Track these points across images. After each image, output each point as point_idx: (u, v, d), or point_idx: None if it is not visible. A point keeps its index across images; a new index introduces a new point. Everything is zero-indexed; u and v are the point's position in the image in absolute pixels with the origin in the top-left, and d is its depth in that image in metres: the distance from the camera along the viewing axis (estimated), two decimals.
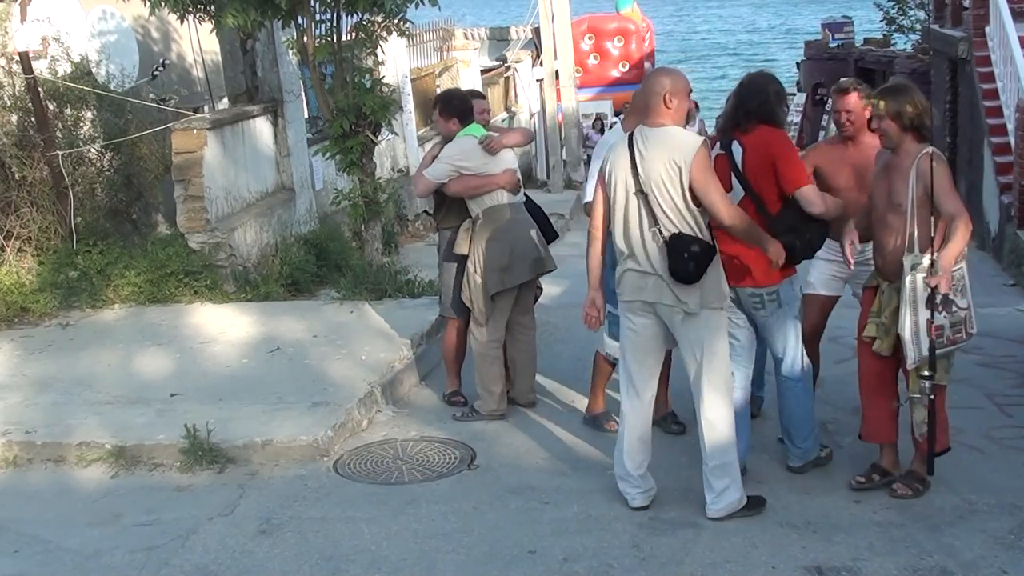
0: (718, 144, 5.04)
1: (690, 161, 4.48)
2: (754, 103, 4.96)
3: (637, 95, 5.09)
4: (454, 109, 6.19)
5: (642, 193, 4.57)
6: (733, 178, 4.95)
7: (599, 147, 5.62)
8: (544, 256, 6.14)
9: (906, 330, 4.69)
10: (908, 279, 4.67)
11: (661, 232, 4.54)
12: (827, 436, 5.59)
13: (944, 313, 4.67)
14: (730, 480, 4.74)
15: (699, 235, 4.55)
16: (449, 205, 6.20)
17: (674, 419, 5.86)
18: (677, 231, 4.52)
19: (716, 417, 4.72)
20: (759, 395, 5.82)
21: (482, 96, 6.77)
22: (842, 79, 5.68)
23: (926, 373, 4.71)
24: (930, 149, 4.70)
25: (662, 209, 4.54)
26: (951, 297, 4.67)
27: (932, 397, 4.74)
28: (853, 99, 5.35)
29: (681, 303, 4.59)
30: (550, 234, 6.39)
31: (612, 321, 5.63)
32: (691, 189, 4.51)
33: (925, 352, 4.67)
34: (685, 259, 4.48)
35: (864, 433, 5.12)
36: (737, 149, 4.96)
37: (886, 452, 5.06)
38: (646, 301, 4.68)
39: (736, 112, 5.02)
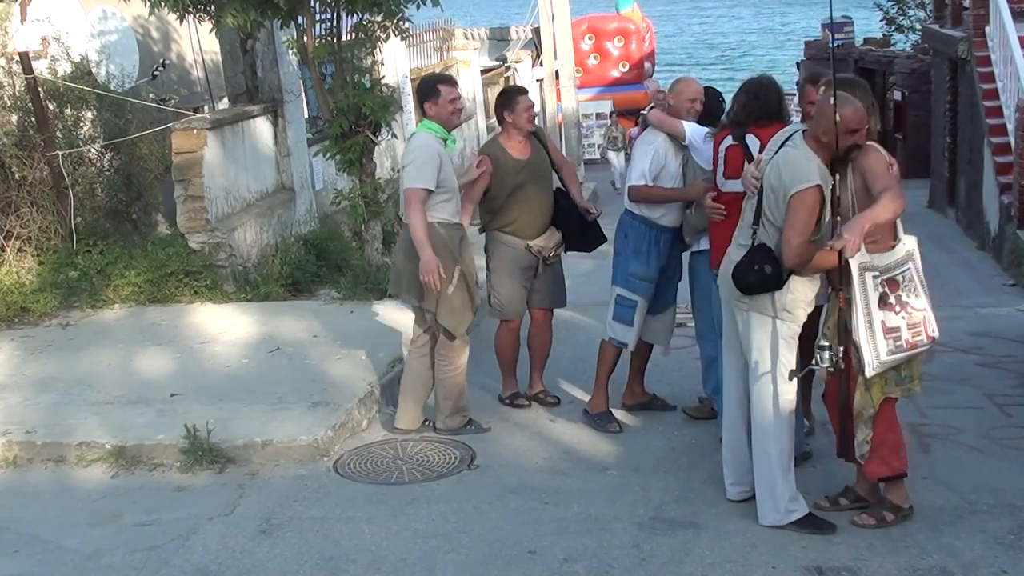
0: (729, 136, 5.22)
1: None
2: (774, 102, 5.24)
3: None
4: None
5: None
6: (746, 165, 5.04)
7: (644, 144, 5.76)
8: None
9: (860, 334, 4.43)
10: (857, 279, 4.42)
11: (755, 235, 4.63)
12: (827, 436, 5.58)
13: (901, 313, 4.44)
14: (766, 493, 4.68)
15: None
16: (492, 206, 6.19)
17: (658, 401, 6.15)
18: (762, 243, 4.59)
19: (757, 428, 4.69)
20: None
21: (524, 92, 6.51)
22: (813, 71, 5.58)
23: (824, 343, 4.42)
24: (871, 143, 4.52)
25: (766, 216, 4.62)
26: (904, 298, 4.44)
27: (833, 364, 4.40)
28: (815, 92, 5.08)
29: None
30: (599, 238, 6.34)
31: (620, 303, 5.72)
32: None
33: (884, 357, 4.43)
34: (755, 271, 4.52)
35: (839, 449, 4.79)
36: (754, 141, 5.13)
37: (860, 476, 4.75)
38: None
39: (754, 109, 5.19)
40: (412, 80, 13.45)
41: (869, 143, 4.52)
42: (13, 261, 8.48)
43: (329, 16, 8.29)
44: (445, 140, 5.72)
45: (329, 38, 8.34)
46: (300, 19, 8.24)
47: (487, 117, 16.43)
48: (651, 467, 5.41)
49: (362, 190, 8.62)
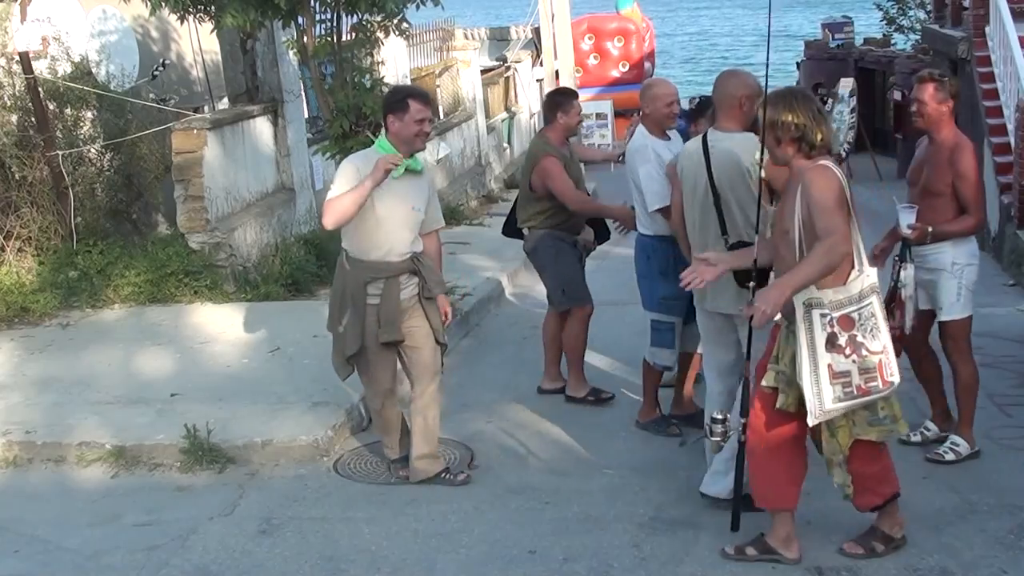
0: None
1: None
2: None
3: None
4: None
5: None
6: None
7: (645, 162, 5.54)
8: None
9: (803, 378, 4.03)
10: (802, 316, 4.05)
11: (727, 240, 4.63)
12: None
13: (852, 356, 4.02)
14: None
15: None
16: (543, 206, 6.19)
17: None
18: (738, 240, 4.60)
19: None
20: None
21: (577, 95, 6.40)
22: (925, 69, 5.46)
23: (718, 416, 4.22)
24: (821, 163, 4.08)
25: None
26: (859, 339, 4.02)
27: (725, 439, 4.23)
28: (928, 90, 5.09)
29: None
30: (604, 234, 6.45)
31: (657, 328, 5.67)
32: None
33: (828, 405, 4.02)
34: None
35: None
36: None
37: (780, 519, 4.38)
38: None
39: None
40: (412, 80, 13.44)
41: (820, 163, 4.09)
42: (13, 261, 8.48)
43: (329, 16, 8.28)
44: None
45: (329, 38, 8.33)
46: (300, 19, 8.23)
47: (487, 117, 16.43)
48: (651, 467, 5.41)
49: None
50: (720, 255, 4.50)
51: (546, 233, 6.24)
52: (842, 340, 4.01)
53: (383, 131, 5.08)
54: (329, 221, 4.93)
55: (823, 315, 4.01)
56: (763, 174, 4.24)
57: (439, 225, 5.35)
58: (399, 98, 5.01)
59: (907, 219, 4.96)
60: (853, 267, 4.07)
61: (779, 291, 3.94)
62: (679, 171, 4.94)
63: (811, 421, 4.08)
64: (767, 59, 4.27)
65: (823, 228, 3.95)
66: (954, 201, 5.08)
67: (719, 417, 4.24)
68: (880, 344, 4.06)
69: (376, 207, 4.92)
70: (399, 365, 5.31)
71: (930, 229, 4.97)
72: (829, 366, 4.01)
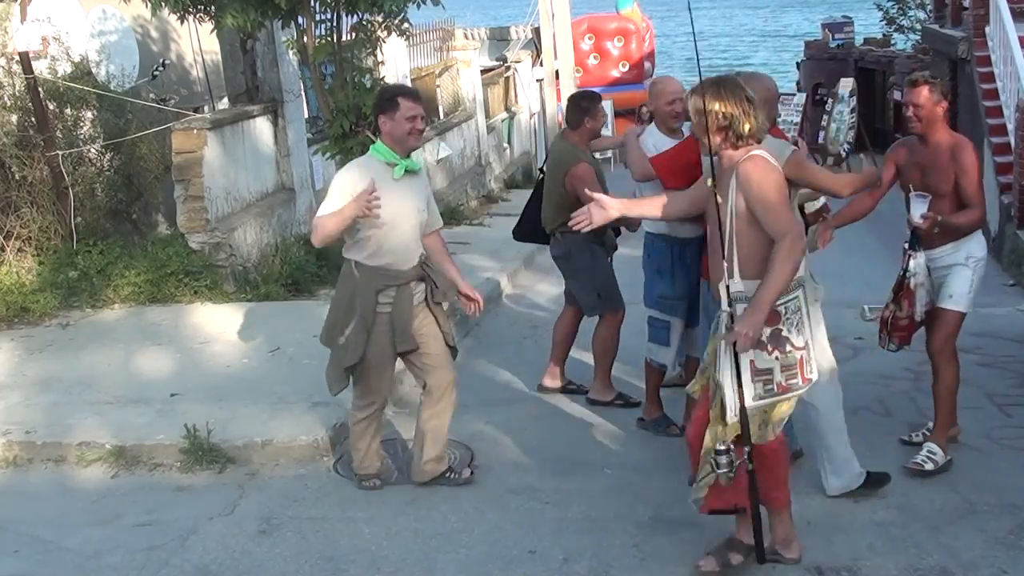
0: None
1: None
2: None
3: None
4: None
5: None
6: None
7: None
8: None
9: (723, 374, 3.93)
10: (724, 311, 3.97)
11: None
12: None
13: (775, 353, 3.94)
14: (842, 460, 4.79)
15: None
16: (569, 211, 6.14)
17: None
18: None
19: (815, 402, 4.70)
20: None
21: (599, 98, 6.29)
22: (914, 73, 5.42)
23: (721, 447, 3.95)
24: (756, 152, 4.02)
25: None
26: (784, 334, 3.91)
27: (733, 469, 3.96)
28: (924, 93, 5.06)
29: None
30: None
31: (653, 325, 5.67)
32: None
33: (751, 401, 3.93)
34: None
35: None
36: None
37: (741, 522, 4.28)
38: None
39: None
40: (412, 80, 13.45)
41: (754, 154, 4.01)
42: (13, 261, 8.47)
43: (329, 16, 8.28)
44: (394, 165, 4.92)
45: (329, 38, 8.34)
46: (300, 19, 8.24)
47: (487, 117, 16.43)
48: (651, 467, 5.41)
49: None
50: (613, 200, 4.46)
51: (580, 238, 6.07)
52: (765, 336, 3.92)
53: (378, 134, 5.02)
54: (316, 239, 4.92)
55: (725, 329, 3.94)
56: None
57: (439, 225, 5.31)
58: (388, 97, 4.95)
59: (919, 208, 4.94)
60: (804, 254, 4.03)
61: (758, 312, 3.87)
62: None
63: (730, 418, 3.96)
64: (696, 55, 4.15)
65: (776, 229, 3.91)
66: (956, 200, 5.05)
67: (723, 448, 3.97)
68: (803, 340, 3.99)
69: (383, 213, 4.79)
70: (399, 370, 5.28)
71: (939, 218, 4.93)
72: (752, 363, 3.92)
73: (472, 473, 5.32)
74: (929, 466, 5.07)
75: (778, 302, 3.94)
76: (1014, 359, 6.82)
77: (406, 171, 4.95)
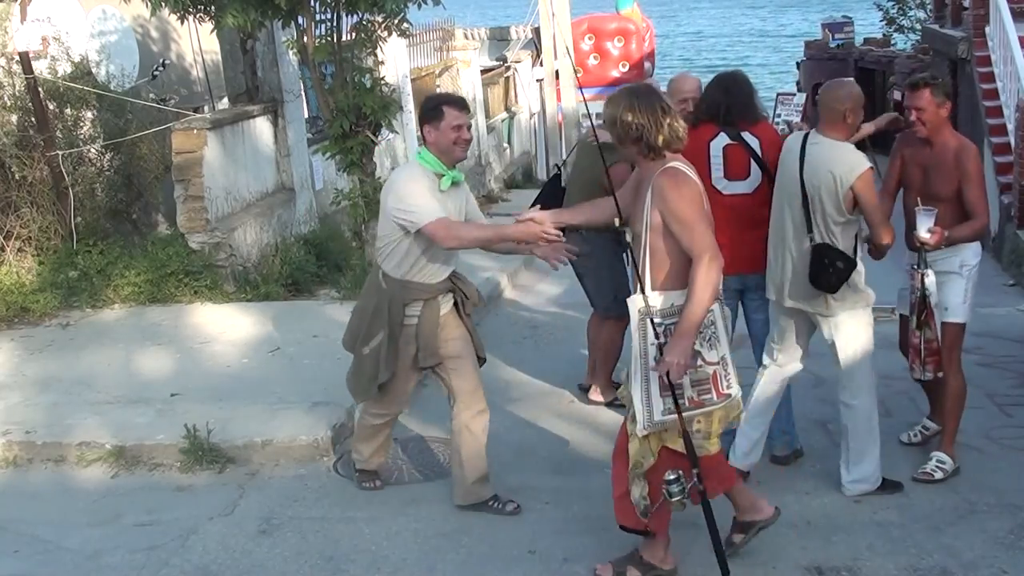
0: (721, 134, 5.12)
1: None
2: (755, 98, 5.23)
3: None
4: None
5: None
6: (752, 164, 5.09)
7: None
8: None
9: (634, 387, 3.93)
10: (637, 324, 3.95)
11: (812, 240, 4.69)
12: (827, 436, 5.59)
13: (687, 368, 3.90)
14: (865, 465, 4.88)
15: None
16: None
17: None
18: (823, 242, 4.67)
19: (852, 404, 4.85)
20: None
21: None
22: (915, 75, 5.38)
23: (671, 476, 3.89)
24: (671, 165, 3.95)
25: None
26: (696, 348, 3.86)
27: (686, 494, 3.92)
28: (926, 96, 4.96)
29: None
30: None
31: None
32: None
33: (658, 417, 3.91)
34: (831, 271, 4.61)
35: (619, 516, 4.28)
36: (753, 140, 5.11)
37: (649, 543, 4.26)
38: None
39: (739, 107, 5.14)
40: (412, 80, 13.45)
41: (670, 166, 3.95)
42: (13, 261, 8.48)
43: (329, 16, 8.29)
44: (441, 175, 4.69)
45: (329, 38, 8.34)
46: (300, 19, 8.24)
47: (487, 117, 16.42)
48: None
49: (362, 190, 8.62)
50: (545, 213, 4.37)
51: (605, 238, 6.00)
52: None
53: (421, 142, 4.79)
54: (452, 245, 4.59)
55: (657, 323, 3.89)
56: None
57: (480, 218, 5.08)
58: (432, 106, 4.69)
59: (926, 223, 4.79)
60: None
61: (685, 338, 3.82)
62: (780, 159, 4.94)
63: (640, 431, 3.96)
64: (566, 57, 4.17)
65: (692, 247, 3.84)
66: (958, 204, 4.97)
67: (672, 477, 3.92)
68: (717, 355, 3.94)
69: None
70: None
71: (946, 234, 4.81)
72: (660, 377, 3.88)
73: (517, 506, 4.97)
74: (939, 475, 5.05)
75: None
76: (1014, 359, 6.82)
77: (452, 182, 4.72)
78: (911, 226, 5.01)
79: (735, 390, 3.99)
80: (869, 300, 4.81)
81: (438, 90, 14.54)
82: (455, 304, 4.92)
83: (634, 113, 3.92)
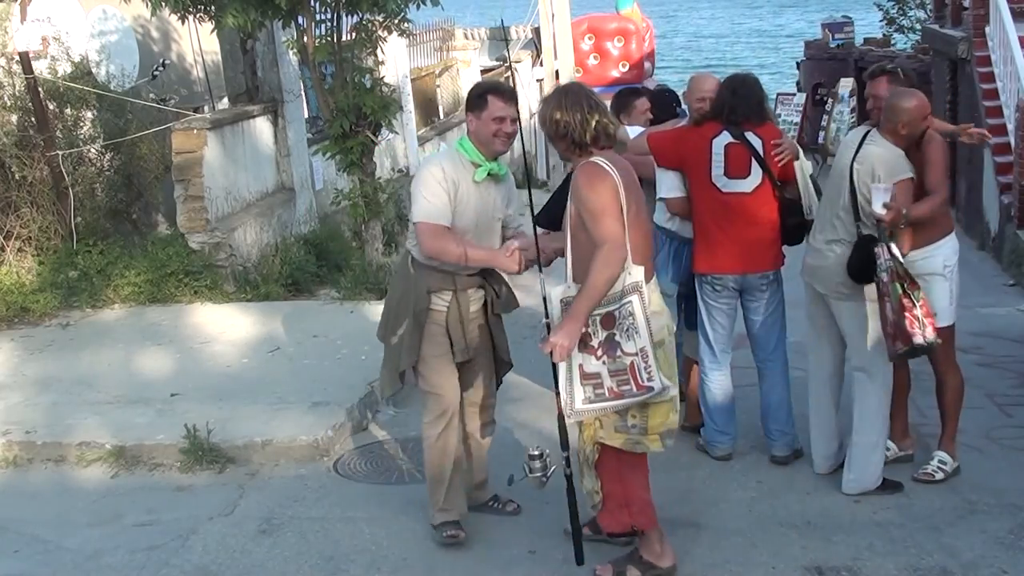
0: (724, 132, 5.13)
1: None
2: (763, 101, 5.27)
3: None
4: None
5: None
6: (753, 163, 5.10)
7: None
8: None
9: (560, 376, 3.97)
10: (558, 313, 3.99)
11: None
12: None
13: (604, 358, 3.92)
14: (868, 461, 4.89)
15: None
16: None
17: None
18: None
19: (864, 399, 4.88)
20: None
21: (639, 94, 6.13)
22: (876, 64, 5.39)
23: (534, 452, 4.07)
24: (590, 160, 3.98)
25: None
26: (616, 339, 3.89)
27: (547, 476, 4.08)
28: (883, 84, 5.01)
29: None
30: None
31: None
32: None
33: (579, 405, 3.96)
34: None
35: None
36: (755, 139, 5.12)
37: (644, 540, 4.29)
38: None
39: (745, 107, 5.16)
40: (412, 80, 13.46)
41: (590, 161, 3.98)
42: (13, 261, 8.48)
43: (329, 16, 8.29)
44: (478, 165, 4.43)
45: (329, 38, 8.34)
46: (300, 19, 8.25)
47: None
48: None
49: (362, 190, 8.63)
50: (516, 241, 4.43)
51: None
52: (595, 341, 3.92)
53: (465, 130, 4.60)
54: (428, 253, 4.42)
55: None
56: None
57: (514, 225, 4.74)
58: (479, 93, 4.48)
59: (882, 198, 4.69)
60: (624, 263, 3.94)
61: (573, 322, 3.85)
62: (838, 152, 5.02)
63: (568, 421, 4.02)
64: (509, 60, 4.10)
65: (595, 236, 3.87)
66: (920, 194, 4.88)
67: (536, 453, 4.06)
68: (636, 346, 3.91)
69: (455, 217, 4.40)
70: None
71: (904, 211, 4.72)
72: (580, 366, 3.94)
73: (518, 507, 4.93)
74: (940, 476, 5.04)
75: (611, 307, 3.92)
76: (1014, 359, 6.82)
77: (489, 175, 4.47)
78: None
79: (657, 384, 3.92)
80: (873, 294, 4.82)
81: (438, 90, 14.54)
82: (484, 304, 4.69)
83: (562, 112, 3.98)
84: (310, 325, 7.62)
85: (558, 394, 4.01)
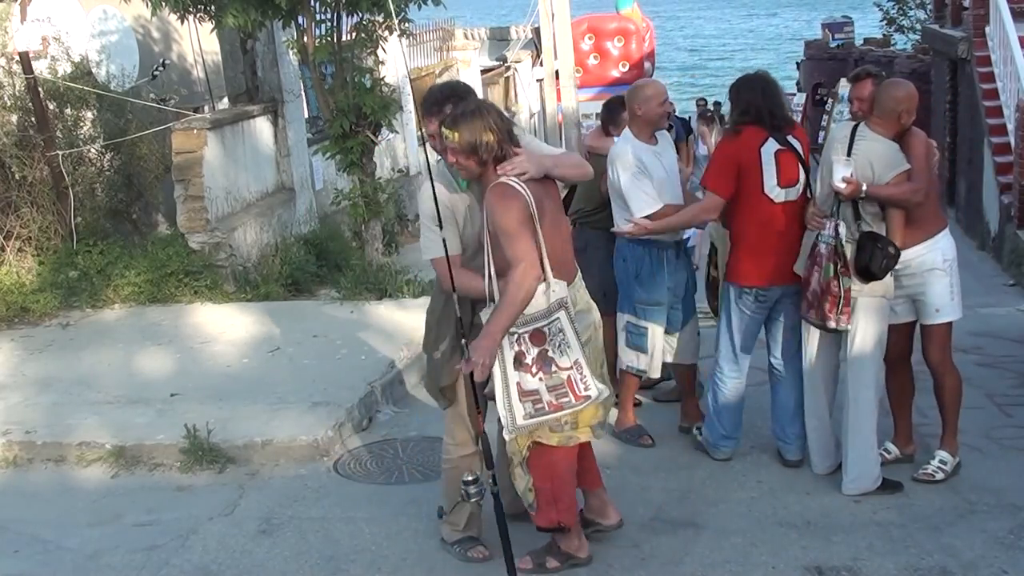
0: (770, 139, 4.96)
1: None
2: (785, 104, 5.22)
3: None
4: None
5: None
6: (800, 169, 5.03)
7: (625, 169, 5.34)
8: None
9: (498, 395, 3.99)
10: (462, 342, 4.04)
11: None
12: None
13: (539, 375, 3.97)
14: (866, 461, 4.90)
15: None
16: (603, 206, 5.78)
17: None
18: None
19: (856, 398, 4.88)
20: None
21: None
22: (859, 67, 5.36)
23: (469, 477, 4.07)
24: (499, 181, 3.93)
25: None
26: (550, 355, 3.95)
27: (483, 495, 4.08)
28: (868, 87, 4.97)
29: None
30: None
31: (630, 331, 5.59)
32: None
33: (520, 421, 3.98)
34: (885, 257, 4.69)
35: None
36: (797, 143, 5.06)
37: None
38: None
39: (780, 109, 5.07)
40: (412, 80, 13.46)
41: (501, 181, 3.92)
42: (13, 261, 8.48)
43: (329, 16, 8.30)
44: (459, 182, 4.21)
45: (329, 38, 8.35)
46: (300, 19, 8.25)
47: None
48: (651, 467, 5.40)
49: (362, 190, 8.63)
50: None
51: (599, 234, 5.88)
52: (529, 359, 3.96)
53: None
54: (447, 285, 4.15)
55: (510, 333, 3.93)
56: None
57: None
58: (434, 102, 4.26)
59: (841, 172, 4.68)
60: (540, 281, 3.93)
61: (489, 339, 3.86)
62: (826, 145, 4.99)
63: (506, 436, 4.06)
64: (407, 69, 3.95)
65: (510, 256, 3.87)
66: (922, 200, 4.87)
67: (470, 479, 4.07)
68: (570, 360, 3.98)
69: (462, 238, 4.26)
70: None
71: (864, 187, 4.70)
72: (518, 384, 3.98)
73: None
74: (940, 476, 5.03)
75: (540, 323, 3.95)
76: (1014, 359, 6.82)
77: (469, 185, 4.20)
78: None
79: (594, 392, 4.02)
80: (888, 291, 4.81)
81: None
82: None
83: (493, 130, 3.92)
84: (310, 325, 7.62)
85: (479, 412, 4.07)
